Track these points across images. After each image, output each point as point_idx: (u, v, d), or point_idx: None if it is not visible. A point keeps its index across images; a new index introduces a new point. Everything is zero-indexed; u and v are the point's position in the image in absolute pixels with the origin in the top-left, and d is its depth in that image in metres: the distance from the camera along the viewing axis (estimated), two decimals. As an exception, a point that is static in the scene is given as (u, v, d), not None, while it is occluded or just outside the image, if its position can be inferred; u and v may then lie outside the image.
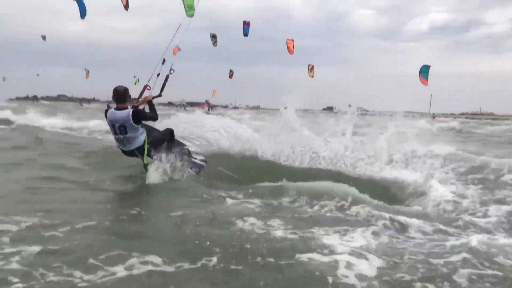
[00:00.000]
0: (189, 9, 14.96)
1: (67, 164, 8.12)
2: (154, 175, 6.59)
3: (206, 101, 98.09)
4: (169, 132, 7.29)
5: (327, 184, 6.52)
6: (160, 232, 4.25)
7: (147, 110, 7.03)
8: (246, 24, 22.33)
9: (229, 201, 5.67)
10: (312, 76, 27.44)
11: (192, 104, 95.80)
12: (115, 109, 6.61)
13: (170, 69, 7.46)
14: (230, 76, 33.69)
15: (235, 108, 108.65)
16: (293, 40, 23.98)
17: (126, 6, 20.37)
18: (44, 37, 33.17)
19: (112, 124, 6.62)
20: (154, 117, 6.89)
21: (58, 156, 9.03)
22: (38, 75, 57.26)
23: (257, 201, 5.73)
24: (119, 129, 6.56)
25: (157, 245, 3.80)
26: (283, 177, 6.84)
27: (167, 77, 7.39)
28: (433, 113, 73.06)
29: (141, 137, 6.70)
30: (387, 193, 6.72)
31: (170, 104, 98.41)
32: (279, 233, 4.35)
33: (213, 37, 24.30)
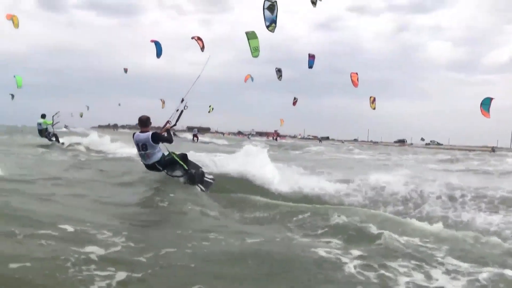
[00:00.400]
0: (255, 50, 15.59)
1: (147, 192, 8.46)
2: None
3: (275, 130, 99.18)
4: (183, 155, 8.82)
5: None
6: (237, 261, 4.21)
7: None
8: (312, 57, 22.96)
9: (296, 233, 5.67)
10: (374, 108, 27.43)
11: (261, 134, 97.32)
12: (140, 132, 8.47)
13: (184, 106, 9.47)
14: (294, 103, 34.30)
15: (303, 138, 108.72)
16: (357, 74, 24.42)
17: (202, 48, 21.96)
18: (126, 70, 35.54)
19: (137, 143, 8.42)
20: (169, 140, 8.63)
21: (142, 182, 9.44)
22: (119, 104, 60.40)
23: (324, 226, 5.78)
24: (141, 146, 8.35)
25: (234, 278, 3.78)
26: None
27: (181, 111, 9.41)
28: (493, 147, 68.08)
29: (158, 154, 8.45)
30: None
31: (239, 133, 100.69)
32: (354, 263, 4.26)
33: (278, 71, 25.22)
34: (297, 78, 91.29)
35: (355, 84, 24.66)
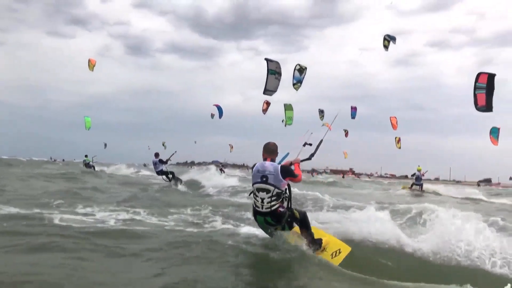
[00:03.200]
0: (288, 119, 17.92)
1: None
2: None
3: (350, 169, 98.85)
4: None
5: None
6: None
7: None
8: (354, 109, 25.02)
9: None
10: (399, 147, 28.30)
11: (336, 172, 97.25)
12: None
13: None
14: (346, 135, 33.87)
15: (381, 176, 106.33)
16: (396, 117, 25.84)
17: (264, 111, 24.42)
18: (212, 116, 33.37)
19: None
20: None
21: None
22: (195, 142, 59.10)
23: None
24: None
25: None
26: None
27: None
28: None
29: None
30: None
31: (313, 171, 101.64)
32: None
33: (321, 112, 26.91)
34: (373, 115, 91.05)
35: (394, 127, 26.19)
